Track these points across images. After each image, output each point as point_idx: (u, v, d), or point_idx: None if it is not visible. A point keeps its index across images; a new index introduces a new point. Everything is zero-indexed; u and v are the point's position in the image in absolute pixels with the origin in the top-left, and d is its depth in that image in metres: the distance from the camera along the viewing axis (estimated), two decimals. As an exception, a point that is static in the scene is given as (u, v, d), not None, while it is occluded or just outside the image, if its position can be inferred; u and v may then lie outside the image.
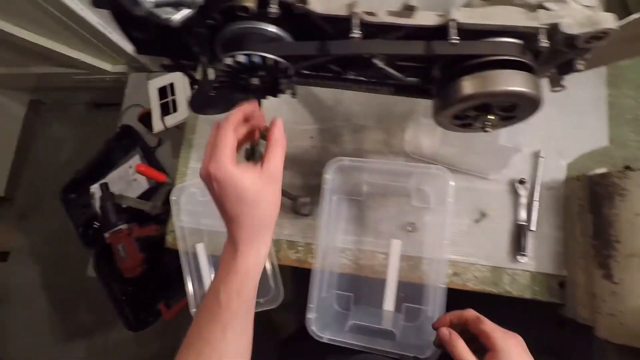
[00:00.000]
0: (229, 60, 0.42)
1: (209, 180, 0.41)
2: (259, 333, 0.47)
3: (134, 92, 1.40)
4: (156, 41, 0.50)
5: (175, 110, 1.18)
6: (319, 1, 0.40)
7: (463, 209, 0.70)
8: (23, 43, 1.32)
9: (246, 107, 0.44)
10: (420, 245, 0.70)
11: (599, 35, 0.40)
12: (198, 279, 0.78)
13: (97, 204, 1.23)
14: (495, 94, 0.42)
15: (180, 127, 1.18)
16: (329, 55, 0.43)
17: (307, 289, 0.64)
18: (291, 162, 0.78)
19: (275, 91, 0.50)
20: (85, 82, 1.63)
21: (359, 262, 0.72)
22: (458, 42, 0.40)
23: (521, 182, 0.67)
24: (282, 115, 0.69)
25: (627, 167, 0.65)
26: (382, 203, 0.73)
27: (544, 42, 0.40)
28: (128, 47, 1.41)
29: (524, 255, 0.64)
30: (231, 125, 0.42)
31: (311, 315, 0.60)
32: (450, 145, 0.70)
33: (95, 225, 1.28)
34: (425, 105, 0.69)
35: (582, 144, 0.68)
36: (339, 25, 0.43)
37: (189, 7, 0.39)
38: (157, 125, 1.18)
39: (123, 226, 1.12)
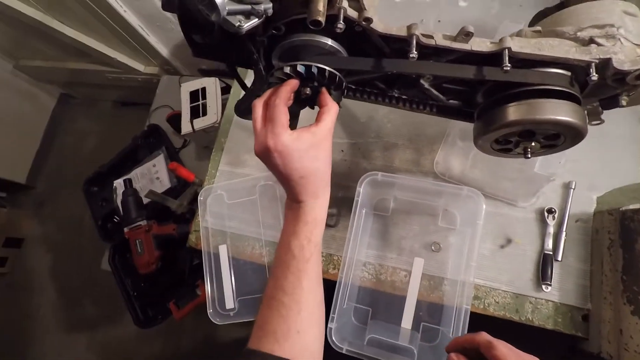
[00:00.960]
0: (287, 69, 0.44)
1: (268, 154, 0.43)
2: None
3: (165, 93, 1.44)
4: (216, 46, 0.52)
5: (204, 114, 1.20)
6: (381, 21, 0.42)
7: (489, 234, 0.70)
8: (63, 38, 1.38)
9: (293, 83, 0.46)
10: (443, 266, 0.70)
11: (649, 74, 0.41)
12: (217, 280, 0.79)
13: (118, 198, 1.26)
14: (542, 122, 0.43)
15: (207, 131, 1.21)
16: (382, 72, 0.45)
17: (327, 299, 0.64)
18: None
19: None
20: (117, 80, 1.69)
21: (379, 277, 0.72)
22: (510, 69, 0.42)
23: (550, 211, 0.68)
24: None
25: (658, 206, 0.65)
26: (408, 221, 0.74)
27: (594, 76, 0.42)
28: (164, 50, 1.46)
29: (548, 284, 0.64)
30: (282, 100, 0.44)
31: (332, 325, 0.60)
32: (480, 169, 0.71)
33: (115, 219, 1.30)
34: (460, 128, 0.71)
35: (613, 179, 0.68)
36: (394, 44, 0.45)
37: (259, 17, 0.41)
38: (186, 127, 1.21)
39: (142, 222, 1.14)
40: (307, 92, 0.47)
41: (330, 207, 0.75)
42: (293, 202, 0.47)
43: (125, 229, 1.14)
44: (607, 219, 0.62)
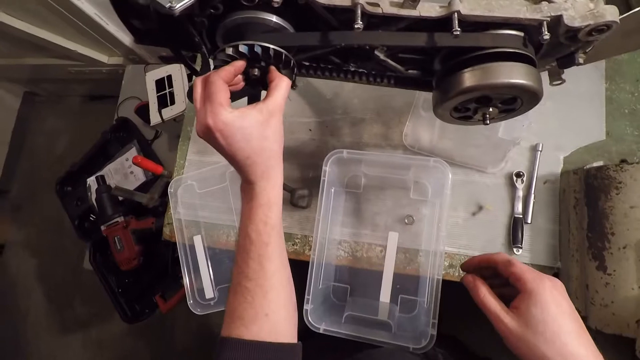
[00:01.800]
0: (230, 50, 0.42)
1: (211, 134, 0.41)
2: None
3: (131, 84, 1.39)
4: (156, 31, 0.49)
5: (172, 102, 1.17)
6: (325, -6, 0.40)
7: (460, 202, 0.70)
8: (17, 33, 1.31)
9: (238, 64, 0.43)
10: (417, 238, 0.70)
11: (601, 28, 0.40)
12: (195, 271, 0.78)
13: (93, 196, 1.23)
14: (496, 87, 0.42)
15: (177, 120, 1.18)
16: (330, 46, 0.43)
17: (304, 282, 0.64)
18: (289, 154, 0.78)
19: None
20: (81, 74, 1.62)
21: (355, 254, 0.73)
22: (460, 34, 0.40)
23: (518, 175, 0.68)
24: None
25: (623, 161, 0.66)
26: (380, 196, 0.74)
27: (546, 35, 0.41)
28: (125, 38, 1.40)
29: (519, 247, 0.65)
30: (221, 77, 0.42)
31: (307, 306, 0.61)
32: (449, 138, 0.71)
33: (91, 218, 1.28)
34: (424, 98, 0.70)
35: (579, 138, 0.68)
36: (341, 16, 0.43)
37: (190, -5, 0.38)
38: (155, 117, 1.17)
39: (119, 219, 1.12)
40: (256, 74, 0.45)
41: (301, 188, 0.75)
42: (244, 183, 0.45)
43: (103, 227, 1.12)
44: (572, 179, 0.62)
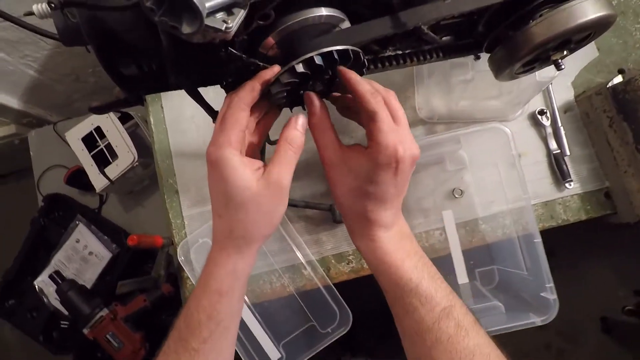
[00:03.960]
0: (300, 68, 0.32)
1: (207, 161, 0.35)
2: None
3: (44, 152, 1.13)
4: (157, 73, 0.36)
5: (115, 156, 0.97)
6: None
7: (497, 157, 0.68)
8: None
9: (266, 74, 0.34)
10: (471, 208, 0.67)
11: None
12: (248, 336, 0.66)
13: (52, 300, 0.99)
14: (583, 27, 0.38)
15: (126, 176, 0.98)
16: (406, 28, 0.35)
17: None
18: (305, 168, 0.69)
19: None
20: (-38, 159, 1.27)
21: (416, 247, 0.67)
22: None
23: (541, 112, 0.68)
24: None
25: (621, 70, 0.69)
26: (418, 179, 0.68)
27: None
28: (11, 100, 1.12)
29: (570, 181, 0.65)
30: (243, 103, 0.34)
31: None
32: (464, 98, 0.67)
33: (62, 325, 1.03)
34: (427, 67, 0.66)
35: (576, 60, 0.70)
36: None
37: (243, 6, 0.27)
38: (99, 181, 0.96)
39: (103, 313, 0.91)
40: (321, 88, 0.36)
41: (330, 200, 0.66)
42: (212, 242, 0.38)
43: (85, 331, 0.90)
44: (597, 100, 0.64)
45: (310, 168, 0.69)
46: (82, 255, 1.03)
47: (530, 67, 0.46)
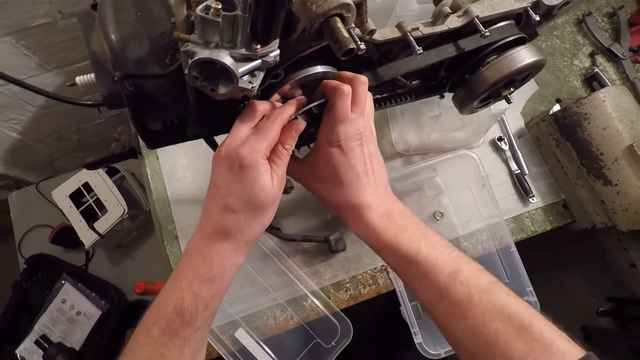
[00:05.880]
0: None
1: (229, 161, 0.36)
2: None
3: (25, 213, 1.11)
4: (180, 126, 0.42)
5: (104, 211, 0.98)
6: (378, 32, 0.40)
7: (469, 180, 0.77)
8: None
9: (300, 102, 0.40)
10: (452, 227, 0.74)
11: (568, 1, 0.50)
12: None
13: (37, 367, 0.94)
14: (522, 69, 0.48)
15: (114, 229, 0.99)
16: (385, 80, 0.43)
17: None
18: (297, 205, 0.74)
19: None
20: None
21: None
22: (488, 33, 0.45)
23: (500, 139, 0.78)
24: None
25: (558, 100, 0.82)
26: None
27: (536, 17, 0.48)
28: (-11, 164, 1.11)
29: (533, 196, 0.74)
30: (282, 120, 0.38)
31: (419, 339, 0.58)
32: (435, 132, 0.77)
33: (50, 394, 0.97)
34: (399, 107, 0.75)
35: (522, 94, 0.82)
36: (382, 48, 0.43)
37: (262, 69, 0.34)
38: (88, 237, 0.96)
39: (96, 373, 0.89)
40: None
41: (331, 233, 0.71)
42: (202, 241, 0.39)
43: (78, 395, 0.87)
44: (543, 126, 0.75)
45: (304, 205, 0.74)
46: (69, 316, 1.00)
47: (486, 102, 0.56)
